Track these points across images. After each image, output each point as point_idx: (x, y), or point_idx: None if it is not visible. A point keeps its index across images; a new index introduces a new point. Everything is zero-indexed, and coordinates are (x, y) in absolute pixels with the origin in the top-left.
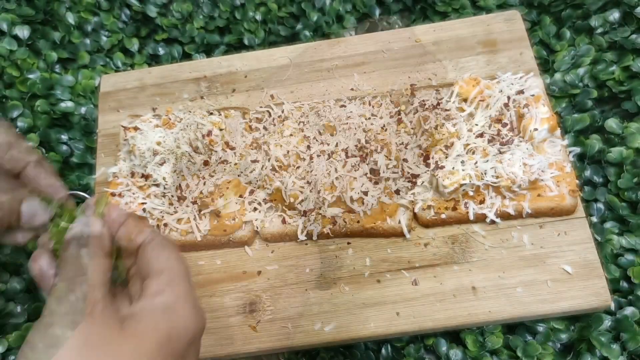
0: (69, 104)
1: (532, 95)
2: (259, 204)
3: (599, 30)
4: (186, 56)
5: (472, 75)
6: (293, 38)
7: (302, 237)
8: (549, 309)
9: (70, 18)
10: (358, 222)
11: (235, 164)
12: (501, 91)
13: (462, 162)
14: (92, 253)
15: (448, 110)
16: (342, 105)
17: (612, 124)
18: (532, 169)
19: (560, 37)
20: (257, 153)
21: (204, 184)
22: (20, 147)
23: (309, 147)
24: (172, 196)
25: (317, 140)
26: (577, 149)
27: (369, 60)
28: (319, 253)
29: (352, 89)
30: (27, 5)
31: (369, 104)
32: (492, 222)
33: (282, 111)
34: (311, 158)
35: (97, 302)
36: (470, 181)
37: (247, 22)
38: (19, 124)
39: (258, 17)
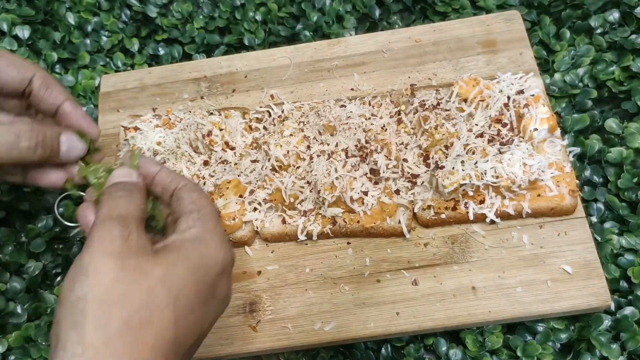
0: None
1: (532, 96)
2: (259, 204)
3: (599, 31)
4: (186, 56)
5: (472, 75)
6: (293, 38)
7: (302, 237)
8: (549, 309)
9: (71, 18)
10: (358, 222)
11: (235, 164)
12: (501, 91)
13: (462, 162)
14: (127, 193)
15: (448, 110)
16: (342, 105)
17: (612, 124)
18: (532, 169)
19: (560, 37)
20: (257, 153)
21: (204, 184)
22: (57, 87)
23: (309, 147)
24: None
25: (317, 140)
26: (577, 149)
27: (369, 60)
28: (319, 253)
29: (352, 89)
30: (27, 5)
31: (369, 104)
32: (492, 222)
33: (282, 111)
34: (311, 158)
35: (132, 232)
36: (470, 181)
37: (247, 22)
38: None
39: (258, 17)
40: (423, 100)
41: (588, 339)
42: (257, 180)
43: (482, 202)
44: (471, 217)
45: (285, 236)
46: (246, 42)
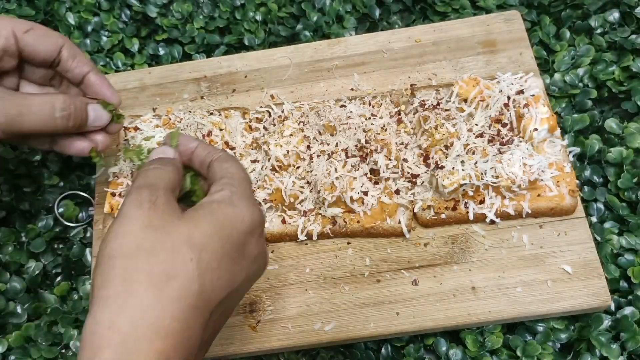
0: None
1: (532, 96)
2: (259, 203)
3: (599, 31)
4: (186, 56)
5: (472, 75)
6: (293, 38)
7: (302, 237)
8: (549, 309)
9: (71, 18)
10: (358, 222)
11: None
12: (501, 91)
13: (462, 162)
14: (160, 166)
15: (448, 110)
16: (342, 105)
17: (612, 124)
18: (531, 169)
19: (560, 37)
20: (257, 153)
21: None
22: (83, 57)
23: (309, 147)
24: None
25: (317, 140)
26: (577, 149)
27: (369, 60)
28: (319, 253)
29: (352, 89)
30: (27, 5)
31: (369, 104)
32: (492, 222)
33: (282, 111)
34: (311, 158)
35: (159, 196)
36: (470, 181)
37: (247, 22)
38: None
39: (258, 17)
40: (423, 100)
41: (588, 339)
42: (257, 180)
43: (482, 202)
44: (471, 217)
45: (285, 236)
46: (246, 42)
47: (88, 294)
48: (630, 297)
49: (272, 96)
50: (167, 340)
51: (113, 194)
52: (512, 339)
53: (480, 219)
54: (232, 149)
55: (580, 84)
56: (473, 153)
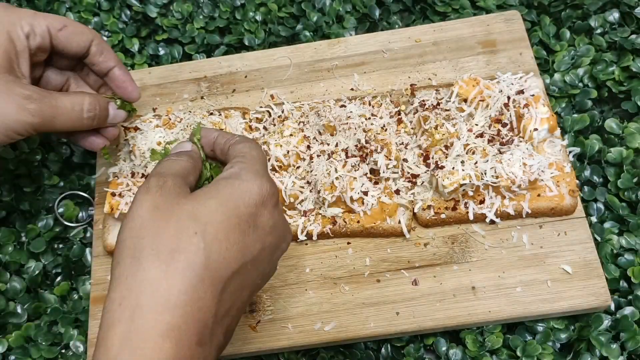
0: None
1: (532, 96)
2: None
3: (599, 31)
4: (186, 56)
5: (472, 76)
6: (293, 38)
7: (302, 237)
8: (549, 309)
9: (71, 18)
10: (358, 222)
11: None
12: (501, 91)
13: (462, 162)
14: (175, 157)
15: (448, 110)
16: (342, 105)
17: (612, 124)
18: (531, 169)
19: (560, 37)
20: None
21: None
22: (110, 53)
23: (309, 147)
24: None
25: (317, 140)
26: (577, 149)
27: (369, 60)
28: (319, 253)
29: (352, 89)
30: (27, 5)
31: (369, 104)
32: (492, 222)
33: (282, 111)
34: (311, 158)
35: (167, 180)
36: (470, 181)
37: (247, 22)
38: None
39: (258, 17)
40: (423, 100)
41: (588, 338)
42: None
43: (482, 202)
44: (471, 217)
45: None
46: (246, 42)
47: (88, 294)
48: (630, 297)
49: (272, 96)
50: (176, 311)
51: (113, 194)
52: (512, 339)
53: (480, 219)
54: None
55: (580, 84)
56: (473, 153)
